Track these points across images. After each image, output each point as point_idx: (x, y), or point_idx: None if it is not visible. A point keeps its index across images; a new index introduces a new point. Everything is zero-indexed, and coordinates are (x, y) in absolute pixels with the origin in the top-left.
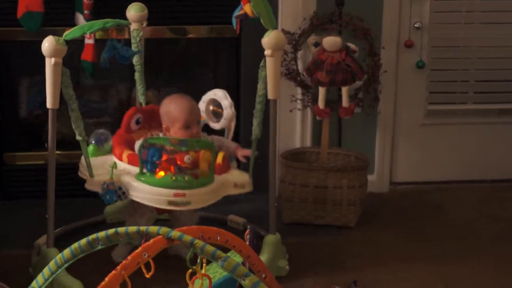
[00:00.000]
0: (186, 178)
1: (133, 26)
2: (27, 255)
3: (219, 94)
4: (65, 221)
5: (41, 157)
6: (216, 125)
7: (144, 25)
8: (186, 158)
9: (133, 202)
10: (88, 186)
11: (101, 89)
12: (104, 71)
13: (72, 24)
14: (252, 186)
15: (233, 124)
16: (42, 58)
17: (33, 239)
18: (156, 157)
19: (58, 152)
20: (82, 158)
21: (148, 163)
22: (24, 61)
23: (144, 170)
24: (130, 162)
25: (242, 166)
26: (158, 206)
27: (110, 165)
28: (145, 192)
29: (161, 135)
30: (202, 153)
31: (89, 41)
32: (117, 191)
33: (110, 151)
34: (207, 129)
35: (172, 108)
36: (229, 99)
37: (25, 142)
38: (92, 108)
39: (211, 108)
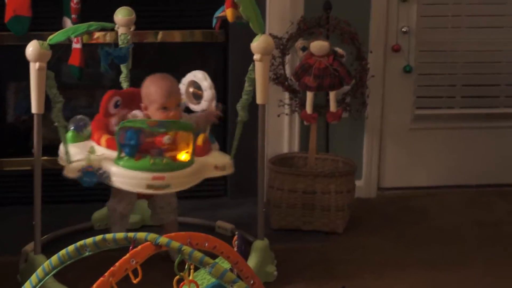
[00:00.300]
0: (164, 160)
1: (120, 30)
2: (15, 262)
3: (198, 76)
4: (52, 227)
5: (28, 163)
6: (196, 107)
7: (132, 29)
8: (166, 138)
9: (112, 187)
10: (66, 173)
11: (88, 95)
12: (90, 76)
13: (60, 28)
14: (233, 168)
15: (213, 105)
16: (28, 63)
17: (20, 246)
18: (134, 140)
19: (44, 158)
20: (61, 145)
21: (126, 146)
22: (11, 66)
23: (122, 154)
24: (109, 146)
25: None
26: (137, 190)
27: (88, 150)
28: (123, 176)
29: (139, 115)
30: (180, 134)
31: (76, 45)
32: (95, 172)
33: (89, 137)
34: (187, 111)
35: (152, 89)
36: (209, 80)
37: (12, 147)
38: (79, 113)
39: (191, 90)
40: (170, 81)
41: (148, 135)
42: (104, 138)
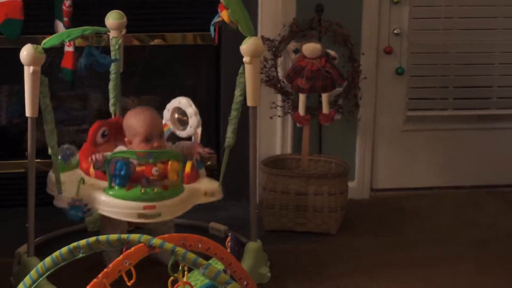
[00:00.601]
0: (155, 190)
1: (112, 34)
2: (8, 264)
3: (183, 102)
4: (45, 229)
5: (21, 166)
6: (182, 133)
7: (123, 32)
8: (154, 170)
9: (103, 217)
10: (56, 202)
11: (81, 97)
12: (84, 78)
13: (52, 31)
14: (222, 194)
15: (199, 131)
16: (21, 66)
17: (13, 248)
18: (123, 170)
19: (37, 160)
20: (50, 173)
21: (116, 177)
22: (3, 69)
23: (113, 184)
24: (98, 176)
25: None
26: (128, 219)
27: (78, 180)
28: (114, 206)
29: (124, 149)
30: (170, 164)
31: (68, 48)
32: (82, 207)
33: (77, 166)
34: (173, 137)
35: (132, 121)
36: (194, 107)
37: (5, 150)
38: (72, 116)
39: (176, 116)
40: (150, 112)
41: (138, 165)
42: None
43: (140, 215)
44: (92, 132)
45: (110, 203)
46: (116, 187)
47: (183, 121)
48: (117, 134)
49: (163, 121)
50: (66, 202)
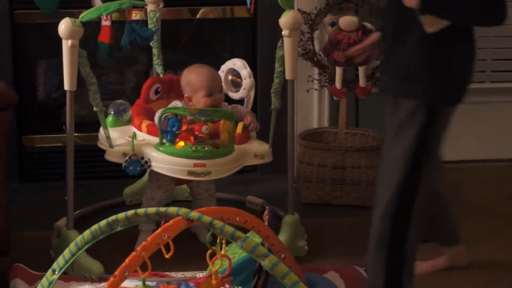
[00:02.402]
0: (206, 148)
1: (149, 7)
2: (47, 237)
3: (238, 64)
4: (84, 203)
5: (60, 140)
6: (235, 95)
7: (161, 6)
8: (204, 128)
9: (151, 173)
10: (107, 156)
11: (118, 71)
12: (121, 53)
13: (89, 6)
14: (272, 157)
15: (252, 94)
16: (59, 40)
17: (53, 221)
18: (175, 127)
19: (76, 134)
20: (101, 129)
21: (168, 133)
22: (41, 44)
23: (164, 141)
24: (150, 132)
25: (261, 137)
26: (178, 176)
27: (130, 136)
28: (165, 162)
29: (180, 104)
30: (222, 123)
31: (105, 22)
32: (140, 161)
33: (129, 122)
34: (226, 98)
35: (193, 77)
36: (248, 69)
37: (44, 124)
38: (110, 89)
39: (229, 77)
40: (208, 68)
41: (190, 122)
42: (145, 124)
43: (190, 172)
44: (146, 89)
45: (161, 159)
46: (167, 143)
47: (236, 83)
48: (170, 91)
49: None
50: (118, 156)
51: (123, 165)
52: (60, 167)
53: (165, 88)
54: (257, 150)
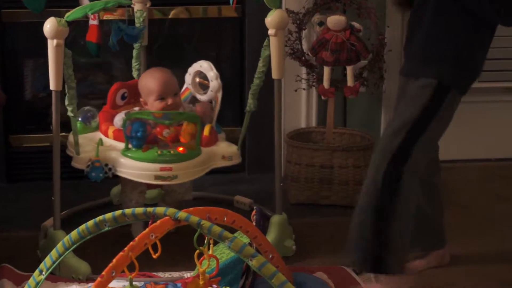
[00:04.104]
0: (172, 151)
1: (136, 7)
2: (35, 237)
3: (204, 66)
4: (71, 203)
5: (47, 139)
6: (203, 97)
7: (148, 5)
8: (165, 132)
9: (122, 177)
10: (74, 163)
11: (106, 71)
12: (108, 52)
13: (76, 5)
14: (240, 158)
15: (219, 95)
16: (46, 40)
17: (40, 222)
18: (140, 132)
19: (63, 134)
20: (70, 135)
21: (133, 138)
22: (28, 43)
23: (130, 146)
24: (116, 138)
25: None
26: (145, 181)
27: (96, 142)
28: (131, 167)
29: (136, 109)
30: (184, 126)
31: (93, 22)
32: (103, 167)
33: (97, 128)
34: (194, 101)
35: (146, 81)
36: (215, 70)
37: (31, 124)
38: (97, 89)
39: (197, 80)
40: (164, 71)
41: (154, 126)
42: (111, 130)
43: (156, 177)
44: (112, 94)
45: (127, 165)
46: (133, 149)
47: (204, 85)
48: (137, 96)
49: (185, 85)
50: (84, 163)
51: (85, 171)
52: (47, 167)
53: (132, 93)
54: (225, 151)
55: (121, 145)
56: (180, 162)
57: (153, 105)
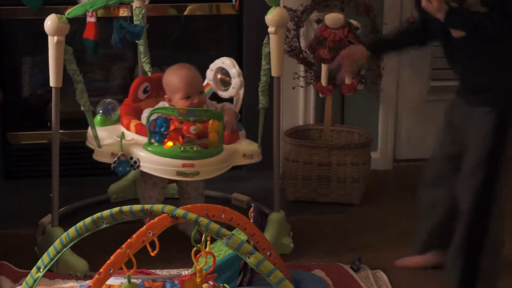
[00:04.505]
0: (195, 148)
1: (135, 4)
2: (32, 234)
3: (227, 63)
4: (69, 200)
5: (45, 137)
6: (224, 94)
7: (146, 2)
8: (192, 128)
9: (143, 173)
10: (96, 156)
11: (104, 68)
12: (106, 49)
13: (74, 2)
14: (261, 156)
15: (241, 93)
16: (44, 37)
17: (38, 218)
18: (164, 127)
19: (61, 131)
20: (89, 128)
21: (156, 134)
22: (26, 40)
23: (152, 141)
24: (138, 132)
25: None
26: (166, 176)
27: (118, 136)
28: (154, 162)
29: (167, 104)
30: (211, 123)
31: (91, 19)
32: (129, 161)
33: (118, 121)
34: (215, 97)
35: (172, 79)
36: (237, 67)
37: (29, 121)
38: (96, 86)
39: (219, 76)
40: (189, 69)
41: (178, 122)
42: (133, 124)
43: (178, 173)
44: (134, 87)
45: (150, 159)
46: (156, 144)
47: (225, 82)
48: (159, 90)
49: (206, 81)
50: (106, 156)
51: (112, 165)
52: (45, 164)
53: (154, 87)
54: (246, 150)
55: (143, 139)
56: (202, 158)
57: (178, 103)
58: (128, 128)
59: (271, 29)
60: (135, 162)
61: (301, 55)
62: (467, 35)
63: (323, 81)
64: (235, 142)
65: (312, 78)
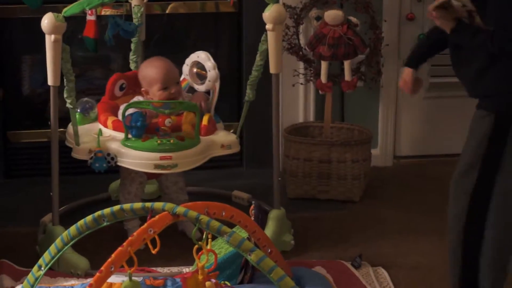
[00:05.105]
0: (172, 140)
1: (134, 2)
2: (33, 233)
3: (202, 56)
4: (70, 198)
5: (45, 135)
6: (200, 87)
7: (145, 0)
8: (167, 121)
9: (122, 169)
10: (74, 154)
11: (104, 66)
12: (106, 48)
13: (73, 0)
14: (239, 146)
15: (217, 85)
16: (43, 36)
17: (38, 217)
18: (139, 122)
19: (61, 129)
20: (69, 127)
21: (132, 128)
22: (26, 39)
23: (129, 136)
24: (115, 128)
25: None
26: (145, 170)
27: (96, 133)
28: (131, 157)
29: (141, 99)
30: (184, 115)
31: (90, 17)
32: (106, 157)
33: (96, 119)
34: (192, 92)
35: (148, 70)
36: (212, 61)
37: (29, 120)
38: (95, 85)
39: (194, 70)
40: (164, 61)
41: (154, 116)
42: (110, 120)
43: (156, 166)
44: (110, 85)
45: (127, 154)
46: (133, 138)
47: (201, 75)
48: (135, 87)
49: (182, 76)
50: (84, 154)
51: (88, 162)
52: (45, 163)
53: (130, 84)
54: (224, 140)
55: (120, 135)
56: (179, 151)
57: (156, 94)
58: (105, 125)
59: (269, 26)
60: (112, 158)
61: (300, 52)
62: (471, 49)
63: (323, 78)
64: (212, 133)
65: (312, 75)
